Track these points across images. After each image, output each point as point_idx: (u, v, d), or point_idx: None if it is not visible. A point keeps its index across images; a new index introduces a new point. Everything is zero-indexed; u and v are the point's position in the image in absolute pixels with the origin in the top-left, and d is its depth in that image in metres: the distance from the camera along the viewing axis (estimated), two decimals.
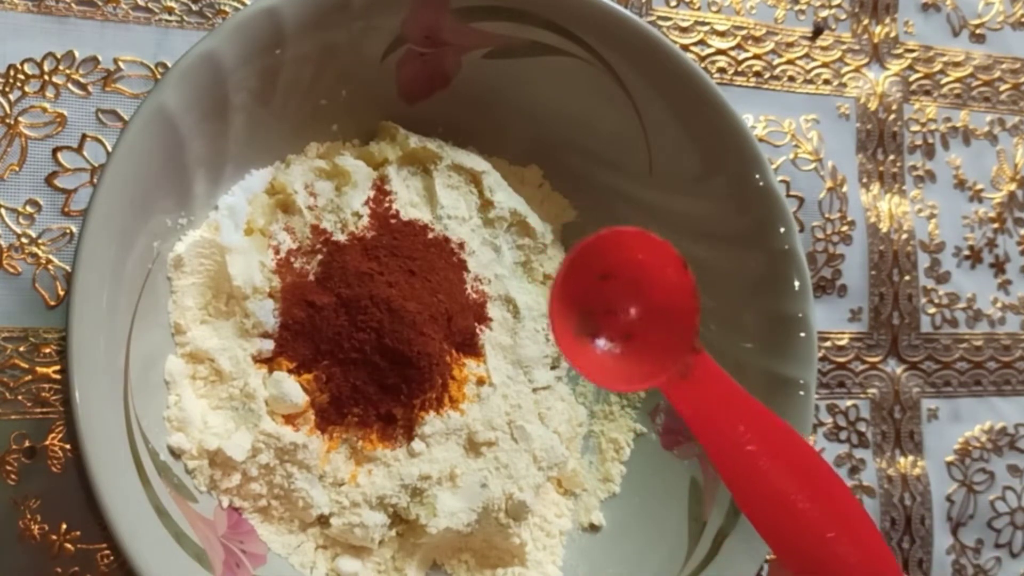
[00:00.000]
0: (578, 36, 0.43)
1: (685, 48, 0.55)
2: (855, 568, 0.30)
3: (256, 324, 0.41)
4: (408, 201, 0.45)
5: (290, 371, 0.42)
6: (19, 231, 0.42)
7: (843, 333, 0.57)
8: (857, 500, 0.32)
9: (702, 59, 0.56)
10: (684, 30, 0.56)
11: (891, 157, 0.60)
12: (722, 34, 0.56)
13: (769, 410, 0.32)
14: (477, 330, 0.45)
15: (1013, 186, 0.63)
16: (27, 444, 0.41)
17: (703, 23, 0.56)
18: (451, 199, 0.46)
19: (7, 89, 0.43)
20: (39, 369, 0.42)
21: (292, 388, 0.41)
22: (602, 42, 0.44)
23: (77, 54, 0.44)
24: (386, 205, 0.44)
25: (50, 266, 0.43)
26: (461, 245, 0.45)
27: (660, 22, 0.55)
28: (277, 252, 0.43)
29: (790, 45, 0.58)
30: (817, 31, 0.59)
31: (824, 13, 0.59)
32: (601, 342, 0.29)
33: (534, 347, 0.46)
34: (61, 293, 0.43)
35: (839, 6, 0.60)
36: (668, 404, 0.47)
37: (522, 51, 0.44)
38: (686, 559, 0.44)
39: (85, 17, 0.44)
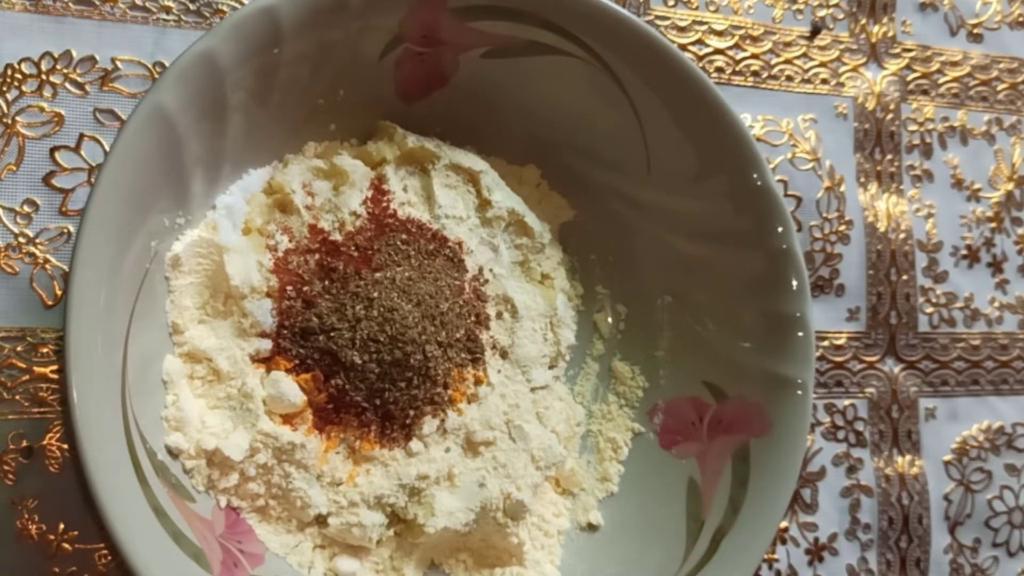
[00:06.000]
0: (576, 35, 0.43)
1: (683, 48, 0.55)
2: None
3: (254, 324, 0.41)
4: (406, 200, 0.45)
5: (288, 371, 0.42)
6: (16, 231, 0.42)
7: (841, 332, 0.57)
8: None
9: (700, 58, 0.56)
10: (682, 29, 0.56)
11: (889, 156, 0.60)
12: (720, 33, 0.56)
13: None
14: (475, 330, 0.45)
15: (1011, 185, 0.63)
16: (25, 444, 0.41)
17: (701, 23, 0.56)
18: (449, 198, 0.46)
19: (4, 88, 0.43)
20: (36, 369, 0.42)
21: (290, 388, 0.41)
22: (600, 42, 0.44)
23: (74, 53, 0.44)
24: (384, 204, 0.44)
25: (48, 266, 0.43)
26: (459, 244, 0.45)
27: (658, 21, 0.55)
28: (275, 251, 0.42)
29: (788, 44, 0.58)
30: (815, 30, 0.59)
31: (822, 12, 0.59)
32: None
33: (532, 346, 0.46)
34: (59, 293, 0.43)
35: (837, 5, 0.60)
36: (666, 404, 0.48)
37: (520, 50, 0.44)
38: (684, 558, 0.44)
39: (82, 16, 0.44)
